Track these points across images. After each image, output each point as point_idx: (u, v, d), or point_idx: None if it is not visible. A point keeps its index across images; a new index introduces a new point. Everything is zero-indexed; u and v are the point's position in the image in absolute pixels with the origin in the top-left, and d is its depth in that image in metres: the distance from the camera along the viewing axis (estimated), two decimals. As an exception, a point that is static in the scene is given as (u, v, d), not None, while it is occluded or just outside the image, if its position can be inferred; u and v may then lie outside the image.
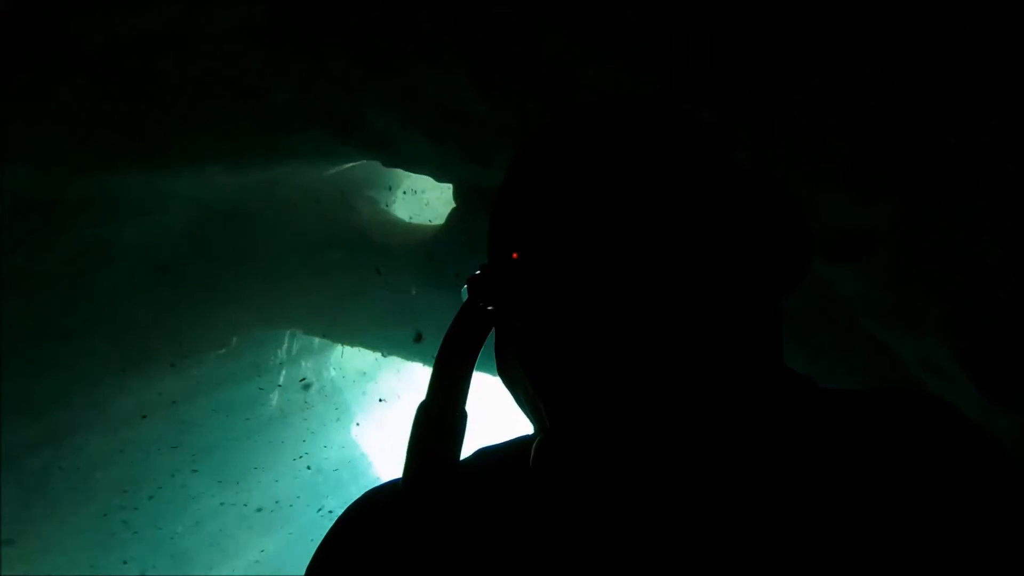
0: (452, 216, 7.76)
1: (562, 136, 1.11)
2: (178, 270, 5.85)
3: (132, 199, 4.79)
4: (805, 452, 1.07)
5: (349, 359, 12.19)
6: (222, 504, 9.71)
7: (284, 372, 9.98)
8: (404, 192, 9.61)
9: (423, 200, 10.10)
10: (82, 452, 6.76)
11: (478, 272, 1.10)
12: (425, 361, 8.69)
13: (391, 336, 8.18)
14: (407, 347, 8.00)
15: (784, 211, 1.09)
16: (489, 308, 1.08)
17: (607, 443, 0.99)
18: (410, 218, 9.19)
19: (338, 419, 12.05)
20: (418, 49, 3.99)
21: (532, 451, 1.06)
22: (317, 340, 10.34)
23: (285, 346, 9.44)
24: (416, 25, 3.91)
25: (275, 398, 9.86)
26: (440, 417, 1.02)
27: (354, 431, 13.18)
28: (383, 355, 9.28)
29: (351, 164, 6.90)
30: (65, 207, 4.64)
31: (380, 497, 1.19)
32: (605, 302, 0.99)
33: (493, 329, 1.13)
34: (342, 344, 10.16)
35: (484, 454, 1.20)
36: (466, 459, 1.14)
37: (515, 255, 1.05)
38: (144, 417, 7.21)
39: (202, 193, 5.37)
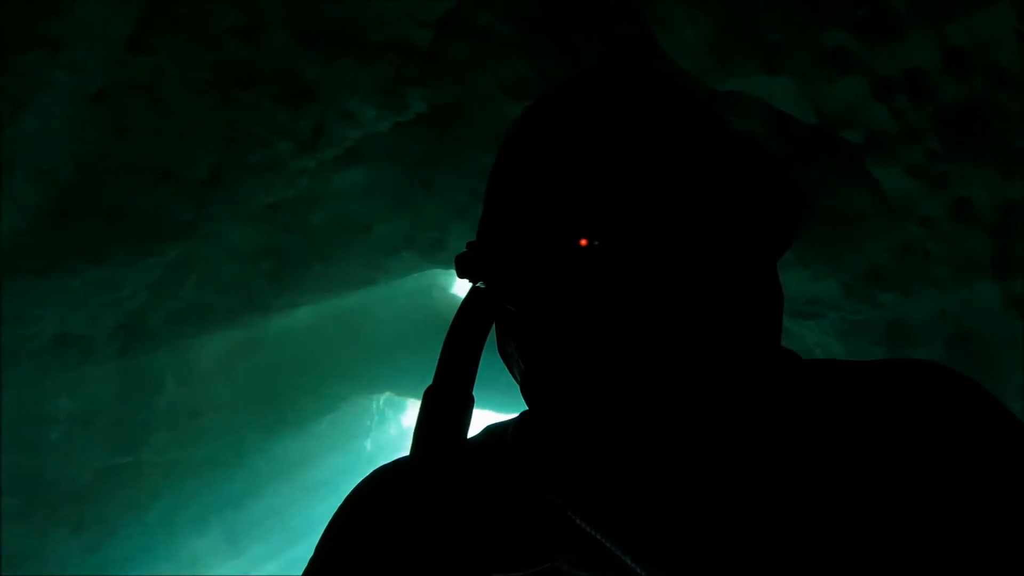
0: (506, 293, 8.66)
1: (551, 114, 0.99)
2: (305, 357, 6.96)
3: (273, 313, 5.92)
4: (803, 434, 0.95)
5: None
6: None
7: (374, 424, 11.09)
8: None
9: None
10: (256, 497, 7.80)
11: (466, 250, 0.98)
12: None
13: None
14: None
15: (772, 174, 0.96)
16: (479, 285, 0.96)
17: (588, 426, 0.92)
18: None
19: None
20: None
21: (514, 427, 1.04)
22: (396, 398, 11.40)
23: (375, 405, 10.51)
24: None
25: (369, 445, 10.92)
26: (445, 400, 0.92)
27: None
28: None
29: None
30: (226, 319, 5.79)
31: (387, 475, 1.11)
32: (592, 283, 0.88)
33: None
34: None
35: (491, 430, 1.11)
36: (474, 436, 1.04)
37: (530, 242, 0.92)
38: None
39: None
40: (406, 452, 0.95)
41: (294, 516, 9.07)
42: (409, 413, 13.48)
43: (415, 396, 10.74)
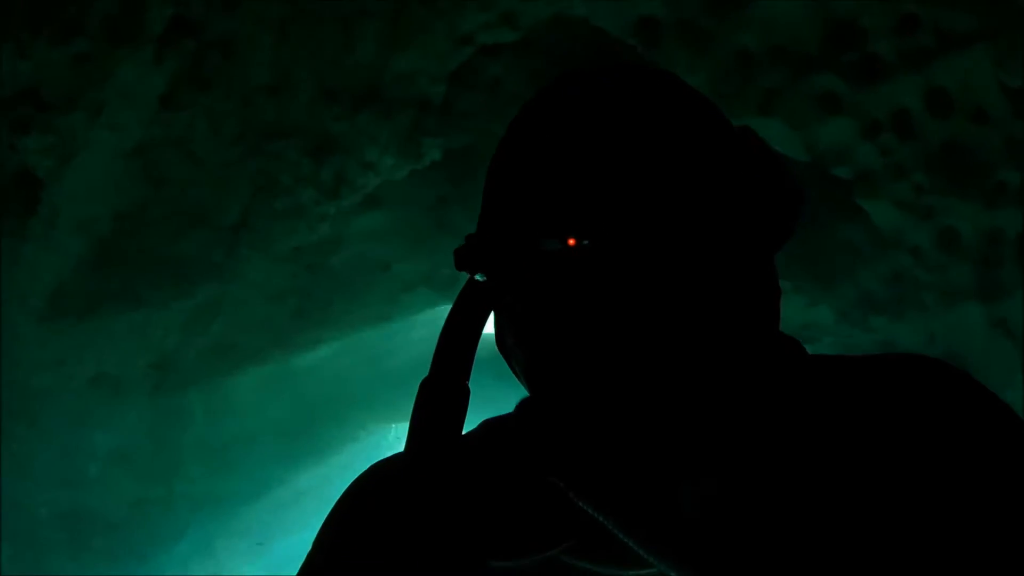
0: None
1: (555, 106, 0.94)
2: (326, 390, 7.20)
3: (297, 349, 6.19)
4: (804, 427, 0.93)
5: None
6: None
7: (392, 452, 11.22)
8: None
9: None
10: (279, 524, 8.00)
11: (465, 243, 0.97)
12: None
13: (470, 422, 9.28)
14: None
15: (771, 169, 0.94)
16: (479, 279, 0.95)
17: (590, 417, 0.89)
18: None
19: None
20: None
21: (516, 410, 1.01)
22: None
23: (394, 433, 10.71)
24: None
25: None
26: (440, 392, 0.92)
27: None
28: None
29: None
30: (252, 355, 6.06)
31: (384, 469, 1.09)
32: (593, 273, 0.85)
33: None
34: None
35: (488, 425, 1.09)
36: (470, 431, 1.03)
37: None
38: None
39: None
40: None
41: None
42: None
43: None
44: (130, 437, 5.98)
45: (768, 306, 0.94)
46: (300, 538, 9.56)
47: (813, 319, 5.20)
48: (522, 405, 1.03)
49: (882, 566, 0.85)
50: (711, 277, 0.86)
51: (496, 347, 1.02)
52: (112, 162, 4.55)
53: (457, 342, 0.94)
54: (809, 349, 1.03)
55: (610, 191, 0.85)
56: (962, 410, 0.95)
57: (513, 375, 1.01)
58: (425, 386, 0.93)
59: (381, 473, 1.09)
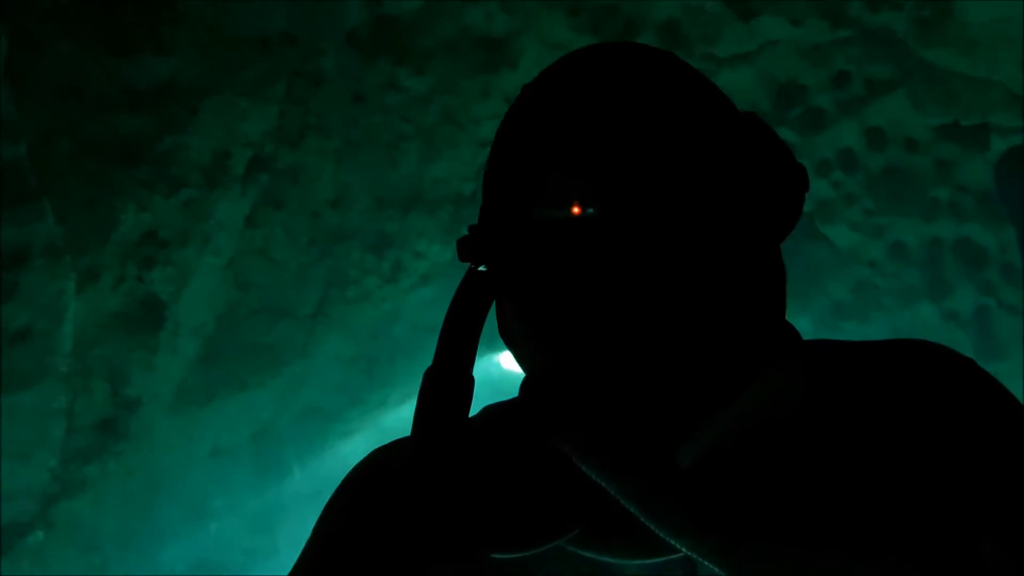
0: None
1: (553, 86, 0.89)
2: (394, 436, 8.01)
3: (369, 405, 7.08)
4: (804, 401, 0.89)
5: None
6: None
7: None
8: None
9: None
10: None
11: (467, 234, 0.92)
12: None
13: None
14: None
15: (776, 155, 0.88)
16: (481, 270, 0.90)
17: (596, 389, 0.83)
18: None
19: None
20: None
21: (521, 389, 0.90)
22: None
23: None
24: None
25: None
26: (445, 382, 0.87)
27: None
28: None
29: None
30: (333, 415, 6.91)
31: (385, 458, 1.05)
32: (597, 260, 0.80)
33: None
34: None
35: (489, 411, 1.02)
36: (472, 417, 0.94)
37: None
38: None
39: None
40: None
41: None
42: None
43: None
44: (239, 496, 6.82)
45: (776, 292, 0.90)
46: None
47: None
48: (524, 385, 0.93)
49: (874, 535, 0.80)
50: (716, 250, 0.82)
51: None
52: (213, 276, 5.45)
53: (458, 332, 0.90)
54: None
55: (613, 160, 0.81)
56: (965, 395, 0.91)
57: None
58: (428, 376, 0.89)
59: (382, 461, 1.05)
